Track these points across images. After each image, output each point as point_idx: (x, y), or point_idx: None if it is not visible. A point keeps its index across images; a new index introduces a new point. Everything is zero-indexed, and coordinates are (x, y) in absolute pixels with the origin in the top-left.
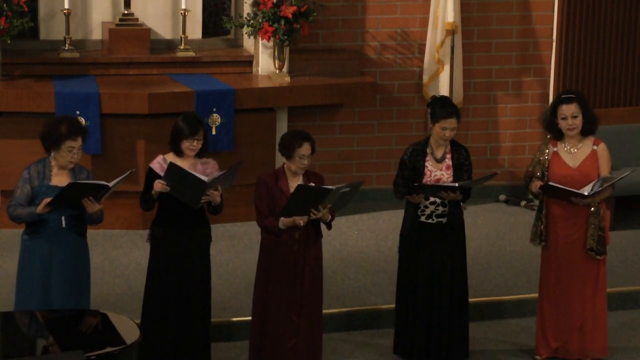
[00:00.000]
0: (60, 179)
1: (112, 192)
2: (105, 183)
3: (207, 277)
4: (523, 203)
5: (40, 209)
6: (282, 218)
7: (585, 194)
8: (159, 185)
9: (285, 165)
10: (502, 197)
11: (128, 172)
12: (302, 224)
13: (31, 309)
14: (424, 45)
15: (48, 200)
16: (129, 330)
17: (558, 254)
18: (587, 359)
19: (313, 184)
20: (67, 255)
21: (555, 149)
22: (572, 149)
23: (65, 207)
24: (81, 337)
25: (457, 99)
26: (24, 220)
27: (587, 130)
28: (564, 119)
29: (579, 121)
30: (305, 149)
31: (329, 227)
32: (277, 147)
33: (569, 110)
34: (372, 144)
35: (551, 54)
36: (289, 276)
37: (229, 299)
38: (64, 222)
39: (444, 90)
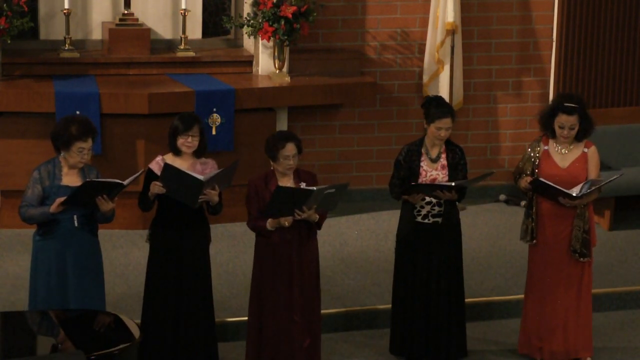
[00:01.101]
0: (70, 179)
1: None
2: (120, 181)
3: (207, 278)
4: (523, 203)
5: (53, 208)
6: (269, 220)
7: (574, 194)
8: (155, 187)
9: (273, 167)
10: (502, 197)
11: (141, 171)
12: (286, 224)
13: (49, 308)
14: (424, 45)
15: (62, 199)
16: (129, 330)
17: (545, 252)
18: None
19: (299, 185)
20: (80, 255)
21: (546, 147)
22: (563, 150)
23: (79, 205)
24: (79, 337)
25: (457, 99)
26: (36, 220)
27: (581, 136)
28: (561, 127)
29: (574, 132)
30: (289, 149)
31: (318, 227)
32: None
33: (568, 121)
34: (372, 144)
35: (551, 54)
36: (283, 277)
37: (229, 299)
38: (76, 222)
39: (444, 90)
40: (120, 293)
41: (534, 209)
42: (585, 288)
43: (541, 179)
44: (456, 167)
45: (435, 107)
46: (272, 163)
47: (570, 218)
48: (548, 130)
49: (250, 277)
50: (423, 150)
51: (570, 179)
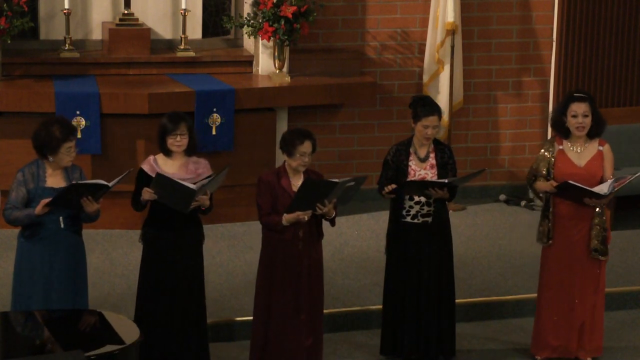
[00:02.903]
0: (54, 180)
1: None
2: (106, 183)
3: (200, 276)
4: (523, 203)
5: (39, 209)
6: (285, 215)
7: (603, 193)
8: (146, 194)
9: (286, 163)
10: (502, 197)
11: (126, 172)
12: (305, 219)
13: (32, 309)
14: (424, 45)
15: (47, 200)
16: (128, 330)
17: (562, 253)
18: (583, 357)
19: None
20: (67, 256)
21: (560, 147)
22: (578, 148)
23: (64, 207)
24: (79, 337)
25: (457, 99)
26: (21, 222)
27: (594, 132)
28: (574, 116)
29: (589, 121)
30: (307, 146)
31: (333, 223)
32: (277, 146)
33: (580, 108)
34: (372, 144)
35: (551, 54)
36: (293, 275)
37: (229, 299)
38: (62, 223)
39: (444, 90)
40: (120, 293)
41: (550, 210)
42: (601, 287)
43: (570, 181)
44: (445, 166)
45: (421, 106)
46: (286, 159)
47: (589, 218)
48: (561, 130)
49: (251, 276)
50: (411, 150)
51: (588, 177)
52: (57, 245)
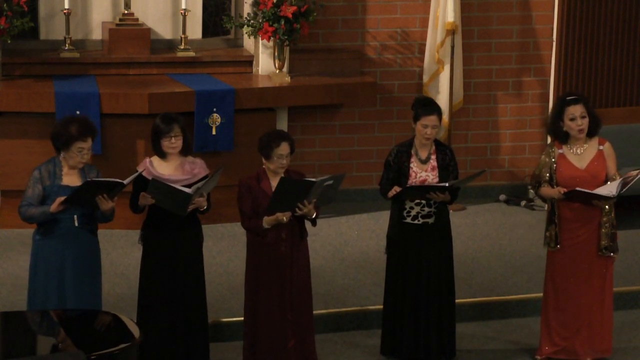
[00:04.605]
0: (71, 179)
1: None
2: (120, 181)
3: (200, 277)
4: (523, 203)
5: (54, 207)
6: (265, 217)
7: (612, 195)
8: (143, 199)
9: (265, 166)
10: (502, 197)
11: (141, 170)
12: (285, 220)
13: (47, 308)
14: (424, 45)
15: (62, 198)
16: (128, 329)
17: (570, 255)
18: (591, 358)
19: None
20: (81, 254)
21: (560, 151)
22: (578, 150)
23: (79, 205)
24: (88, 338)
25: (457, 99)
26: (36, 220)
27: (592, 131)
28: (572, 119)
29: (587, 122)
30: (283, 148)
31: (314, 223)
32: None
33: (577, 110)
34: (372, 144)
35: (551, 54)
36: (278, 276)
37: (228, 299)
38: (76, 221)
39: (444, 90)
40: (120, 293)
41: (556, 214)
42: (609, 287)
43: (578, 188)
44: (446, 168)
45: (421, 106)
46: (264, 161)
47: (595, 218)
48: (559, 135)
49: None
50: (412, 152)
51: (590, 178)
52: (71, 243)
